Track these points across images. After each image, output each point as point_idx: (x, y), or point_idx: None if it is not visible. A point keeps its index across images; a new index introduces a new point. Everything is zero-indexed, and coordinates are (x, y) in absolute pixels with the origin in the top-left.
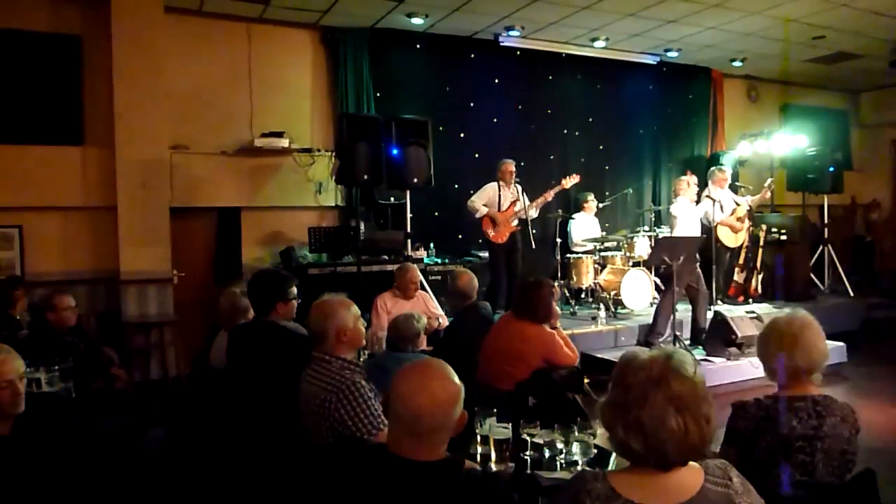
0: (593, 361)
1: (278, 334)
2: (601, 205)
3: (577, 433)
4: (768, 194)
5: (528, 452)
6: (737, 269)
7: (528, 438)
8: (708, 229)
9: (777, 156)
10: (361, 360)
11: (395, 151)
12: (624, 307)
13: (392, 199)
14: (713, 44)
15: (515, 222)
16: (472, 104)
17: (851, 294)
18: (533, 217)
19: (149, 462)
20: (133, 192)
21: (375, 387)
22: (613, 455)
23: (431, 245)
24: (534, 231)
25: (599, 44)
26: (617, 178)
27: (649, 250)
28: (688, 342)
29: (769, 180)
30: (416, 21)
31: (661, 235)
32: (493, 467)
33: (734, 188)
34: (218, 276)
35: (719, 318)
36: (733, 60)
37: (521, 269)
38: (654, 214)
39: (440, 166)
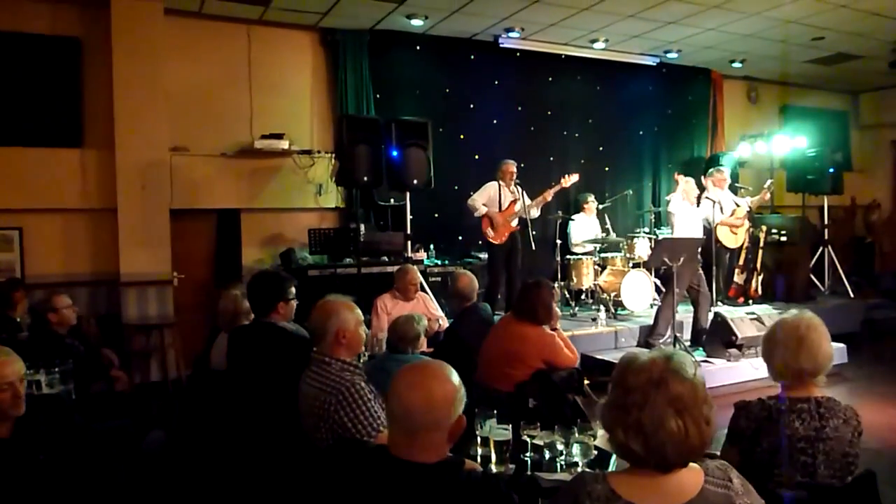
0: (593, 363)
1: (278, 336)
2: (601, 206)
3: (577, 434)
4: (767, 196)
5: (528, 454)
6: (737, 271)
7: (528, 440)
8: (709, 231)
9: (777, 157)
10: (361, 361)
11: (395, 153)
12: (624, 308)
13: (392, 200)
14: (713, 45)
15: (515, 223)
16: (471, 106)
17: (851, 295)
18: (534, 217)
19: (149, 464)
20: (133, 193)
21: (375, 388)
22: (614, 456)
23: (431, 246)
24: (534, 232)
25: (599, 45)
26: (617, 180)
27: (649, 251)
28: (688, 343)
29: (769, 181)
30: (416, 23)
31: (661, 236)
32: (494, 469)
33: (734, 189)
34: (218, 277)
35: (719, 319)
36: (733, 62)
37: (520, 270)
38: (654, 215)
39: (440, 168)
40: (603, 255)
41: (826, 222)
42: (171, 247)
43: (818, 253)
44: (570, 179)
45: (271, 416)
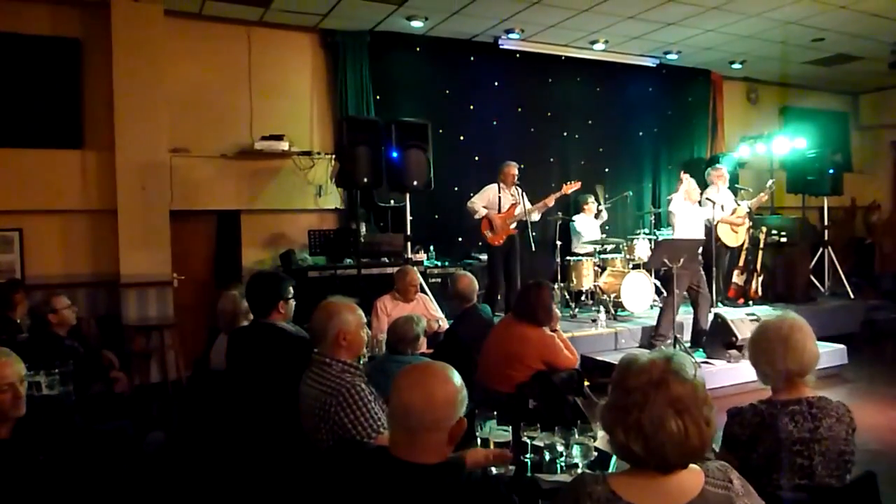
0: (593, 364)
1: (278, 337)
2: (601, 207)
3: (577, 436)
4: (765, 197)
5: (528, 455)
6: (737, 272)
7: (528, 441)
8: (710, 231)
9: (777, 158)
10: (361, 362)
11: (394, 154)
12: (624, 310)
13: (392, 201)
14: (713, 46)
15: (514, 225)
16: (471, 107)
17: (852, 296)
18: (534, 220)
19: (148, 465)
20: (133, 195)
21: (375, 389)
22: (614, 458)
23: (431, 248)
24: (534, 234)
25: (599, 46)
26: (617, 181)
27: (649, 253)
28: (688, 344)
29: (770, 182)
30: (416, 24)
31: (661, 238)
32: (494, 470)
33: (734, 191)
34: (218, 279)
35: (719, 320)
36: (733, 63)
37: (519, 272)
38: (654, 217)
39: (440, 169)
40: (603, 256)
41: (826, 223)
42: (171, 248)
43: (818, 254)
44: (572, 187)
45: (271, 417)
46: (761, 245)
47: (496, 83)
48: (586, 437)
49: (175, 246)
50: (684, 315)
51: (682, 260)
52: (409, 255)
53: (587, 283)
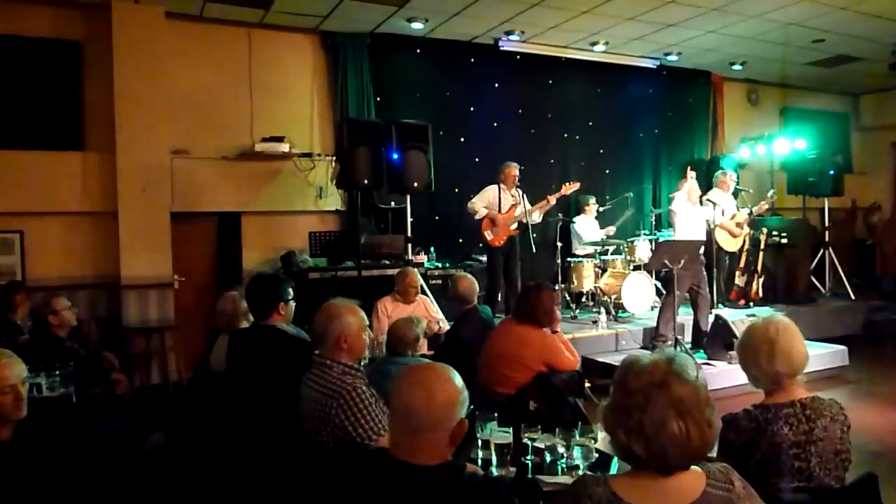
0: (594, 365)
1: (278, 339)
2: (601, 208)
3: (578, 437)
4: (766, 206)
5: (529, 457)
6: (737, 273)
7: (529, 443)
8: (709, 233)
9: (777, 159)
10: (362, 364)
11: (395, 156)
12: (625, 311)
13: (392, 203)
14: (713, 47)
15: (514, 226)
16: (472, 108)
17: (852, 297)
18: (535, 222)
19: (149, 467)
20: (134, 196)
21: (375, 391)
22: (615, 459)
23: (432, 249)
24: (534, 235)
25: (599, 48)
26: (617, 182)
27: (650, 254)
28: (688, 346)
29: (771, 191)
30: (417, 26)
31: (661, 239)
32: (495, 472)
33: (735, 192)
34: (219, 280)
35: (720, 321)
36: (733, 64)
37: (519, 273)
38: (654, 218)
39: (440, 170)
40: (603, 257)
41: (827, 224)
42: (171, 250)
43: (819, 255)
44: (571, 188)
45: (272, 420)
46: (762, 246)
47: (496, 84)
48: (587, 438)
49: (176, 248)
50: (685, 316)
51: (682, 261)
52: (410, 257)
53: (588, 285)
